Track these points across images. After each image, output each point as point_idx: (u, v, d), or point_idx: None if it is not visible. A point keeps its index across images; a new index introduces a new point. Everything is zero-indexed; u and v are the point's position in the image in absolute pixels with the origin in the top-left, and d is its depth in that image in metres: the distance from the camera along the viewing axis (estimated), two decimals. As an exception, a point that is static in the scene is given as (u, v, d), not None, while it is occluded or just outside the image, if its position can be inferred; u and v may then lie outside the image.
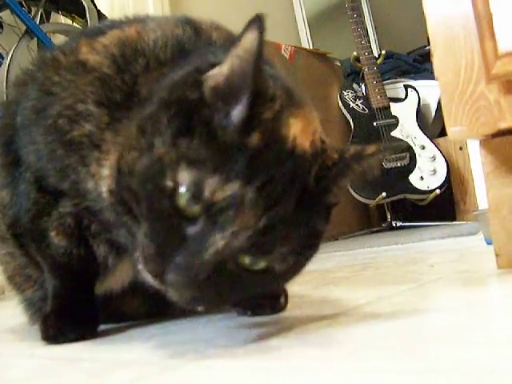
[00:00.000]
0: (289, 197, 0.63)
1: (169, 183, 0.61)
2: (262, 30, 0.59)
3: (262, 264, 0.65)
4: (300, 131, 0.65)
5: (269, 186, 0.61)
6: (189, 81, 0.67)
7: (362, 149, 0.68)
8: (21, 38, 2.28)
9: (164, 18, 0.87)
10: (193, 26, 0.81)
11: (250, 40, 0.60)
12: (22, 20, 2.30)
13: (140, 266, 0.66)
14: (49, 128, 0.81)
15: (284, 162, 0.63)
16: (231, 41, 0.81)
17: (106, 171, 0.75)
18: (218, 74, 0.64)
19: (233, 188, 0.60)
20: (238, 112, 0.62)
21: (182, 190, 0.61)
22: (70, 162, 0.80)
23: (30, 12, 2.42)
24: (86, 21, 2.44)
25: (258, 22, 0.59)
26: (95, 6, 2.49)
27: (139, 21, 0.84)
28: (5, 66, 2.20)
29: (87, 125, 0.77)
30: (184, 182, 0.61)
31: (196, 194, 0.60)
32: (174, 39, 0.78)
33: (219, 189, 0.60)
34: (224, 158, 0.61)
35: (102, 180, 0.76)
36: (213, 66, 0.66)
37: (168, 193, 0.62)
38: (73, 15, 2.55)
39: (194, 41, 0.79)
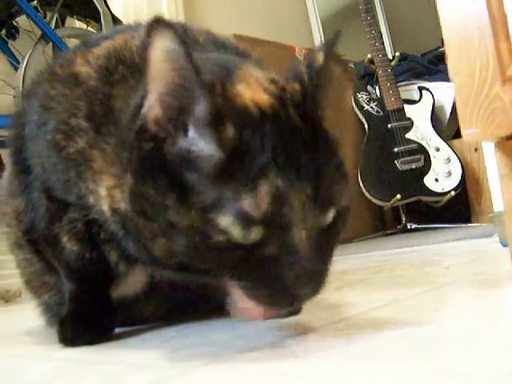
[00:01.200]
0: (295, 149, 0.61)
1: (220, 237, 0.60)
2: (167, 28, 0.57)
3: (331, 214, 0.64)
4: (250, 90, 0.64)
5: (282, 155, 0.60)
6: (134, 132, 0.65)
7: (313, 62, 0.67)
8: (36, 43, 2.30)
9: None
10: (183, 30, 0.80)
11: (162, 47, 0.58)
12: (37, 25, 2.32)
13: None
14: (48, 143, 0.81)
15: (262, 125, 0.61)
16: (218, 44, 0.82)
17: (102, 191, 0.75)
18: (151, 106, 0.62)
19: (265, 185, 0.58)
20: (201, 115, 0.60)
21: (233, 229, 0.59)
22: (70, 177, 0.81)
23: (45, 17, 2.44)
24: (101, 25, 2.46)
25: (159, 26, 0.57)
26: (110, 10, 2.50)
27: (133, 29, 0.83)
28: (21, 71, 2.22)
29: (80, 141, 0.78)
30: (226, 222, 0.59)
31: (244, 220, 0.59)
32: None
33: (258, 198, 0.59)
34: (226, 169, 0.59)
35: (101, 199, 0.76)
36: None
37: (226, 244, 0.60)
38: (87, 19, 2.57)
39: None
